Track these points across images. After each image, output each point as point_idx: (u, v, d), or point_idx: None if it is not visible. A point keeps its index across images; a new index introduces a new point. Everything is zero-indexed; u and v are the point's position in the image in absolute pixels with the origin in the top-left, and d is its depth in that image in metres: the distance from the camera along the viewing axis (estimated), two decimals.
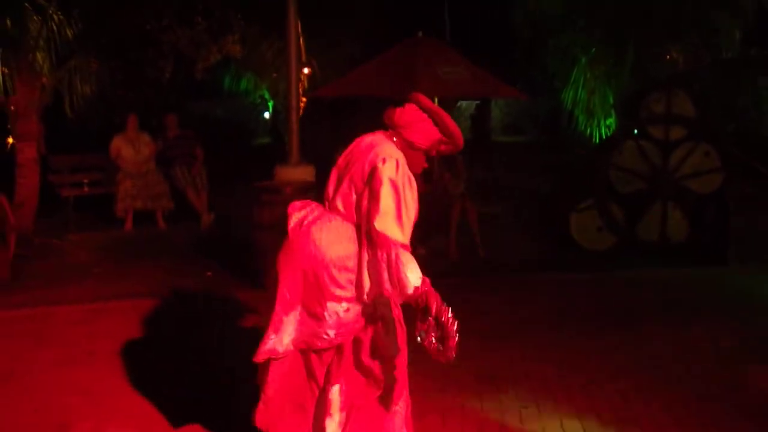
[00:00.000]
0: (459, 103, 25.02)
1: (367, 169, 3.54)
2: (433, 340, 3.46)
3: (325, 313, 3.56)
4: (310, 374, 3.74)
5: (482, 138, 22.16)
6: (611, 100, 14.24)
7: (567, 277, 8.46)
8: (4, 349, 6.12)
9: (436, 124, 3.66)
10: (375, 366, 3.64)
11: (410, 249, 3.48)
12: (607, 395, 5.03)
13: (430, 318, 3.44)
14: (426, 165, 3.78)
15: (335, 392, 3.65)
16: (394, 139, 3.67)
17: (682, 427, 4.55)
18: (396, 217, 3.44)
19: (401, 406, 3.76)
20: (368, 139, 3.70)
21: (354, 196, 3.60)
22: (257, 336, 5.68)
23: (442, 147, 3.72)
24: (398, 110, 3.69)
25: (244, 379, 5.21)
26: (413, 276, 3.39)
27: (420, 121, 3.66)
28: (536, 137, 25.23)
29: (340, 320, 3.56)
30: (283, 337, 3.66)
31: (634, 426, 4.57)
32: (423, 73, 10.76)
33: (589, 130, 14.70)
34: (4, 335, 6.52)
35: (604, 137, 14.19)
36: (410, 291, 3.39)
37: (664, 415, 4.72)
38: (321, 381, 3.72)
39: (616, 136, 10.88)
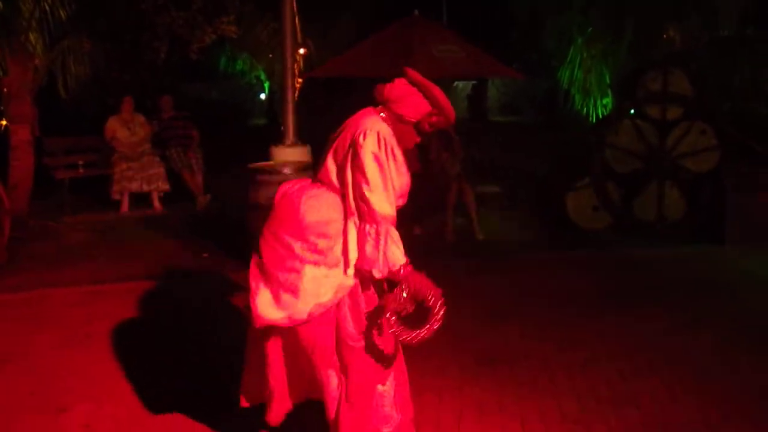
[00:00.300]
0: (455, 84, 24.97)
1: (348, 142, 3.53)
2: (394, 320, 3.45)
3: (303, 280, 3.51)
4: (300, 350, 3.71)
5: (479, 118, 22.10)
6: (608, 80, 14.22)
7: (564, 257, 8.45)
8: (1, 333, 6.11)
9: (426, 97, 3.63)
10: (357, 346, 3.63)
11: (395, 222, 3.48)
12: (605, 375, 5.03)
13: (405, 297, 3.42)
14: (418, 139, 3.75)
15: (332, 376, 3.64)
16: (382, 114, 3.64)
17: (681, 407, 4.55)
18: (383, 190, 3.44)
19: (388, 387, 3.75)
20: (357, 115, 3.68)
21: (335, 168, 3.59)
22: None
23: (434, 119, 3.68)
24: (388, 85, 3.67)
25: (241, 360, 5.22)
26: (399, 252, 3.41)
27: (409, 94, 3.62)
28: (533, 117, 25.20)
29: (318, 290, 3.51)
30: (266, 302, 3.62)
31: (632, 405, 4.56)
32: (419, 53, 10.73)
33: (585, 110, 14.68)
34: (0, 318, 6.51)
35: (600, 116, 14.17)
36: (396, 267, 3.40)
37: (663, 395, 4.72)
38: (312, 358, 3.69)
39: (612, 115, 10.85)
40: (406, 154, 3.71)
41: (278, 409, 3.84)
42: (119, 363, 5.39)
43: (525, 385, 4.88)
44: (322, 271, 3.51)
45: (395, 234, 3.43)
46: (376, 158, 3.45)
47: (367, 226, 3.42)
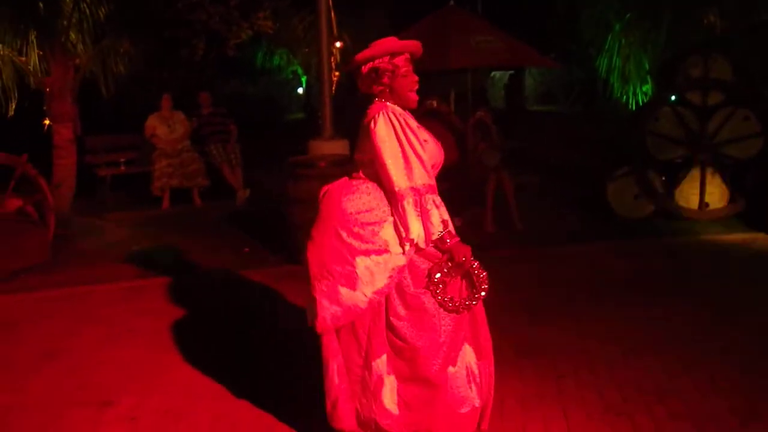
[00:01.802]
0: (493, 74, 24.84)
1: (366, 137, 3.68)
2: (439, 292, 3.63)
3: (357, 271, 3.62)
4: (359, 345, 3.77)
5: (516, 108, 21.99)
6: (647, 67, 14.03)
7: (605, 247, 8.36)
8: (47, 329, 6.22)
9: (382, 54, 3.73)
10: (409, 327, 3.67)
11: (435, 188, 3.60)
12: (647, 367, 4.97)
13: (450, 266, 3.61)
14: (416, 86, 3.81)
15: (382, 362, 3.68)
16: (384, 101, 3.76)
17: (726, 400, 4.47)
18: (405, 167, 3.56)
19: (459, 368, 3.78)
20: (365, 114, 3.78)
21: (365, 162, 3.73)
22: (295, 310, 5.74)
23: (385, 63, 3.72)
24: (359, 84, 3.82)
25: (285, 353, 5.26)
26: (437, 221, 3.54)
27: (361, 75, 3.78)
28: (571, 106, 24.98)
29: (373, 277, 3.60)
30: (318, 308, 3.71)
31: (676, 396, 4.51)
32: (455, 44, 10.68)
33: (624, 98, 14.50)
34: (46, 315, 6.62)
35: (640, 104, 13.99)
36: (436, 236, 3.55)
37: (707, 387, 4.64)
38: (366, 350, 3.74)
39: (652, 102, 10.71)
40: (445, 144, 3.80)
41: (347, 411, 3.84)
42: (162, 357, 5.46)
43: (566, 376, 4.85)
44: (373, 259, 3.62)
45: (431, 203, 3.54)
46: (389, 136, 3.59)
47: (403, 204, 3.54)
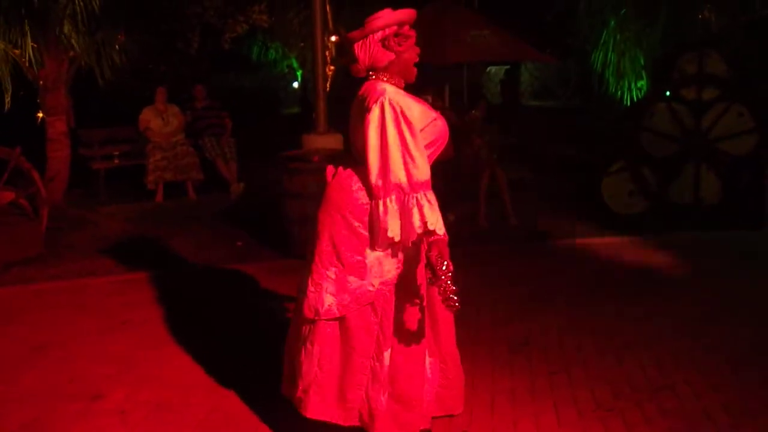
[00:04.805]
0: (489, 69, 24.82)
1: (361, 120, 3.54)
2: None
3: (366, 261, 3.55)
4: (357, 342, 3.66)
5: (512, 103, 21.95)
6: (642, 62, 14.03)
7: (598, 242, 8.37)
8: (40, 321, 6.20)
9: (377, 29, 3.58)
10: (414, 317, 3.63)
11: (429, 185, 3.45)
12: (640, 363, 4.97)
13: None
14: (416, 58, 3.69)
15: (387, 358, 3.63)
16: (384, 79, 3.64)
17: (718, 394, 4.49)
18: (388, 162, 3.41)
19: (431, 361, 3.82)
20: (361, 93, 3.66)
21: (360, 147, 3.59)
22: (288, 303, 5.73)
23: (402, 31, 3.61)
24: (353, 65, 3.68)
25: (277, 346, 5.25)
26: (416, 220, 3.38)
27: (370, 44, 3.60)
28: (567, 101, 24.97)
29: (381, 268, 3.55)
30: (323, 294, 3.61)
31: (669, 393, 4.52)
32: (451, 38, 10.68)
33: (619, 93, 14.51)
34: (40, 307, 6.60)
35: (635, 100, 14.00)
36: (419, 231, 3.38)
37: (700, 382, 4.65)
38: (369, 348, 3.65)
39: (647, 98, 10.72)
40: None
41: (317, 399, 3.74)
42: (155, 350, 5.45)
43: (558, 372, 4.86)
44: (381, 251, 3.54)
45: (413, 201, 3.39)
46: (381, 129, 3.43)
47: (384, 201, 3.43)
